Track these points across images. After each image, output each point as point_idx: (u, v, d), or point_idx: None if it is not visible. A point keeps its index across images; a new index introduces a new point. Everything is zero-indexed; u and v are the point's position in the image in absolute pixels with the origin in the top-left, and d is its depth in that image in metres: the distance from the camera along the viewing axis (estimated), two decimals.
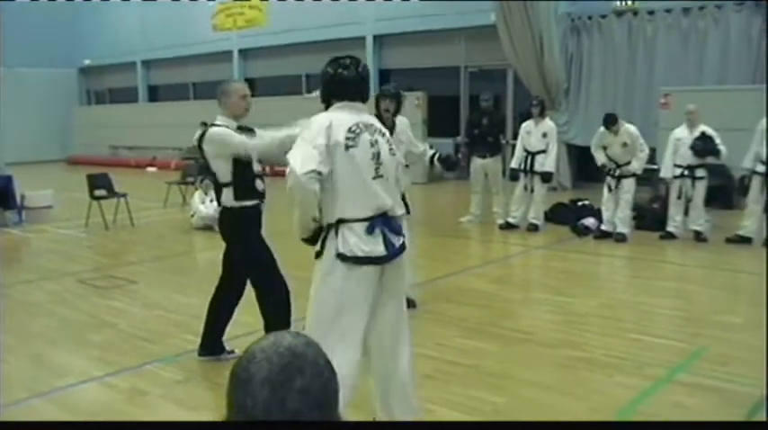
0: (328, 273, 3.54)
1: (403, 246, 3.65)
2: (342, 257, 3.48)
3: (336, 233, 3.50)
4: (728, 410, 4.32)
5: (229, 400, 1.28)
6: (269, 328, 4.82)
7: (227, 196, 4.90)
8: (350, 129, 3.51)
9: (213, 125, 4.95)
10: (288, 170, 3.38)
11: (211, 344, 5.26)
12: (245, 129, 4.99)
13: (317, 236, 3.61)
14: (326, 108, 3.69)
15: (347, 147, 3.47)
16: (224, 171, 4.88)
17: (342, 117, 3.56)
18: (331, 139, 3.44)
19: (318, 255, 3.60)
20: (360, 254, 3.48)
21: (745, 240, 9.16)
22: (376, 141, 3.60)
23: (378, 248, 3.53)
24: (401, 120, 6.47)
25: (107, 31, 26.07)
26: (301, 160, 3.37)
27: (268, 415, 1.22)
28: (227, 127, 4.92)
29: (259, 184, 5.01)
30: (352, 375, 3.50)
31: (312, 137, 3.43)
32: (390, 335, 3.70)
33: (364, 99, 3.76)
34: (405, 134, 6.48)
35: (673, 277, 8.05)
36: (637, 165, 9.51)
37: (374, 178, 3.55)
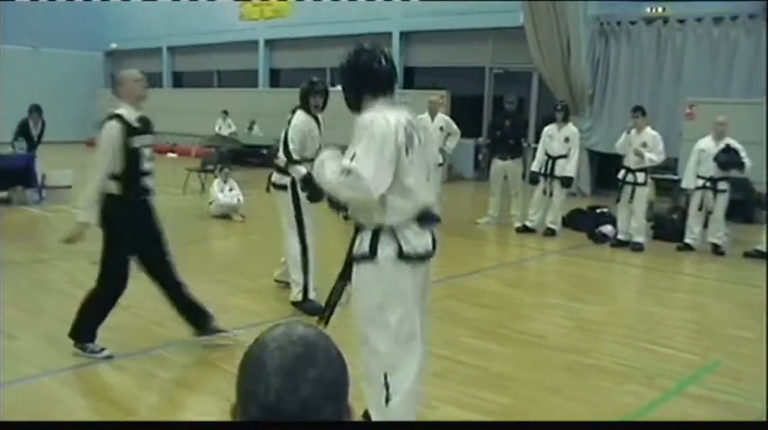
0: (393, 277, 3.40)
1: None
2: (407, 258, 3.41)
3: (395, 234, 3.40)
4: (733, 421, 4.29)
5: (240, 389, 1.27)
6: (81, 314, 4.96)
7: (111, 185, 4.83)
8: (405, 130, 3.33)
9: (116, 116, 4.85)
10: (348, 177, 3.22)
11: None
12: (144, 122, 4.98)
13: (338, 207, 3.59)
14: (359, 105, 3.47)
15: (407, 152, 3.32)
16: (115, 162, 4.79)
17: (393, 117, 3.34)
18: (396, 145, 3.28)
19: (368, 258, 3.42)
20: (421, 252, 3.45)
21: (764, 255, 9.07)
22: (420, 139, 3.45)
23: (429, 244, 3.52)
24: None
25: (134, 15, 26.19)
26: (374, 174, 3.20)
27: (280, 403, 1.22)
28: (127, 118, 4.84)
29: (146, 181, 5.00)
30: (418, 381, 3.51)
31: (379, 146, 3.23)
32: (424, 326, 3.66)
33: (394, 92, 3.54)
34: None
35: (688, 289, 8.00)
36: (654, 157, 9.37)
37: (426, 177, 3.53)
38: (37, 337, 5.48)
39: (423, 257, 3.49)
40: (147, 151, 4.92)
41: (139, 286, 7.00)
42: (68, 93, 25.99)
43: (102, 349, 5.01)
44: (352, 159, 3.22)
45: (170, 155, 21.94)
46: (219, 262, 8.84)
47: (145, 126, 4.95)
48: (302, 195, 5.99)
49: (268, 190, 6.36)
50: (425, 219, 3.49)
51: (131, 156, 4.78)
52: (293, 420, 1.22)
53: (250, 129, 19.84)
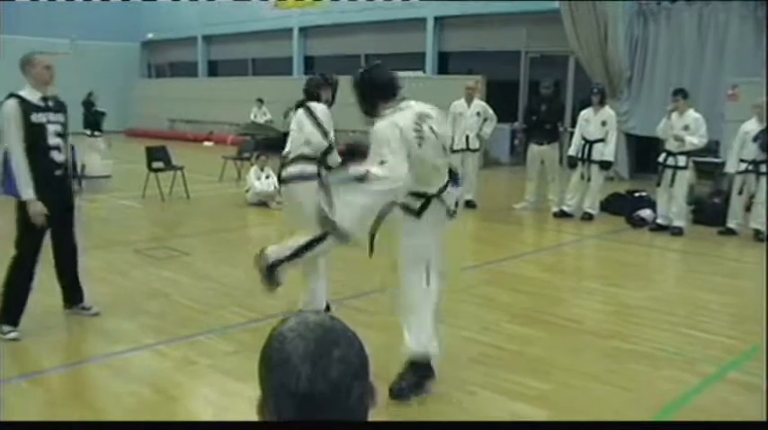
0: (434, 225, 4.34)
1: None
2: (451, 214, 4.37)
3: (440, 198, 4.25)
4: None
5: (268, 385, 1.29)
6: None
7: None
8: (414, 128, 4.02)
9: (13, 95, 5.14)
10: (379, 179, 3.85)
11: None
12: (54, 100, 5.31)
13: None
14: (374, 111, 4.20)
15: (420, 145, 4.02)
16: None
17: (401, 120, 4.02)
18: (407, 144, 3.95)
19: (417, 214, 4.24)
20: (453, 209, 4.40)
21: None
22: (431, 127, 4.13)
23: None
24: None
25: (169, 5, 26.37)
26: (397, 169, 3.88)
27: (312, 389, 1.23)
28: (26, 97, 5.14)
29: (54, 155, 5.25)
30: None
31: (395, 147, 3.90)
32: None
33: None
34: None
35: (728, 274, 7.87)
36: (696, 140, 9.21)
37: (441, 159, 4.25)
38: (80, 326, 5.57)
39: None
40: (52, 127, 5.23)
41: (182, 274, 7.13)
42: (106, 84, 26.12)
43: (10, 331, 5.16)
44: (381, 163, 3.88)
45: (206, 143, 22.13)
46: (256, 248, 8.90)
47: (56, 106, 5.32)
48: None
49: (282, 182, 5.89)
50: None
51: (33, 131, 5.10)
52: (327, 404, 1.23)
53: (285, 116, 19.81)
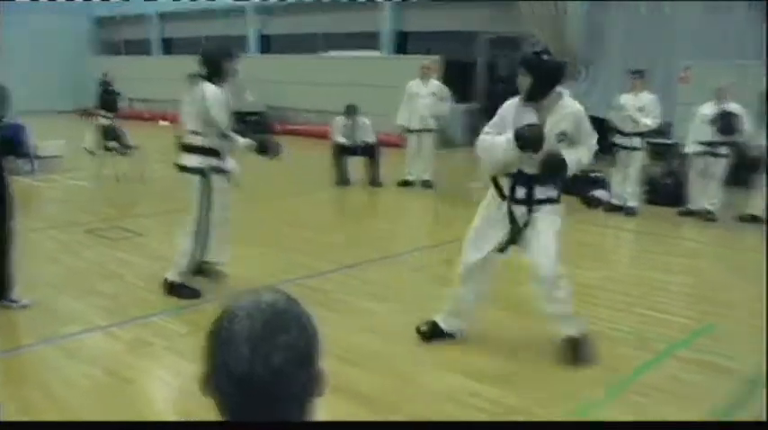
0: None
1: None
2: None
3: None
4: (721, 384, 4.34)
5: (210, 361, 1.26)
6: None
7: None
8: None
9: None
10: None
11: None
12: None
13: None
14: (539, 99, 4.46)
15: None
16: None
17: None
18: None
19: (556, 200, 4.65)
20: None
21: (756, 219, 9.12)
22: None
23: None
24: None
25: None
26: None
27: (251, 372, 1.20)
28: None
29: None
30: None
31: None
32: None
33: None
34: None
35: (682, 253, 8.01)
36: (650, 122, 9.34)
37: None
38: (32, 306, 5.46)
39: None
40: None
41: (135, 255, 7.03)
42: (58, 61, 25.59)
43: None
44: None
45: (162, 122, 21.79)
46: None
47: None
48: (218, 177, 5.67)
49: (182, 169, 5.74)
50: None
51: None
52: (266, 389, 1.21)
53: (241, 96, 19.69)
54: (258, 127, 17.57)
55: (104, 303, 5.55)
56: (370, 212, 10.35)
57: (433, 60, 13.22)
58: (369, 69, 17.54)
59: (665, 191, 10.21)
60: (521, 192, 4.55)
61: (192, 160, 5.58)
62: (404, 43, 19.39)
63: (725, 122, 9.04)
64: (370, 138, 11.38)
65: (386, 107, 12.47)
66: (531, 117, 4.44)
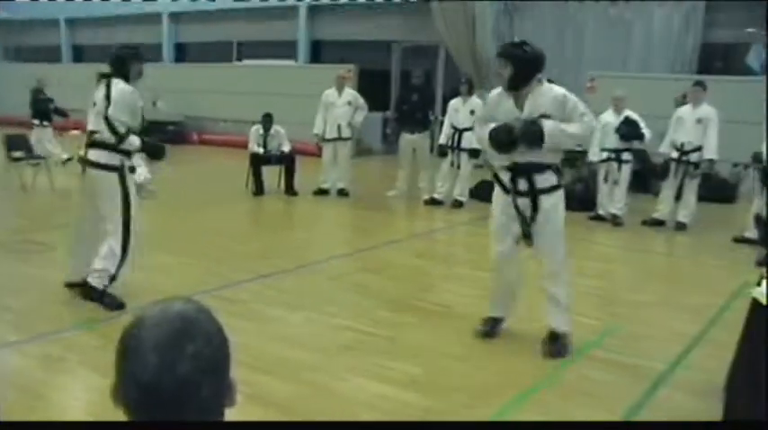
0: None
1: None
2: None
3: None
4: (632, 382, 4.55)
5: (119, 369, 1.25)
6: None
7: None
8: None
9: None
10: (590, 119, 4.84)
11: None
12: None
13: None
14: (522, 87, 4.69)
15: None
16: None
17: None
18: None
19: (557, 187, 4.84)
20: None
21: (659, 223, 9.55)
22: None
23: None
24: None
25: None
26: None
27: (158, 381, 1.20)
28: None
29: None
30: None
31: None
32: None
33: None
34: None
35: (593, 257, 8.29)
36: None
37: None
38: None
39: None
40: None
41: (46, 268, 6.88)
42: None
43: None
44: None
45: (73, 132, 21.22)
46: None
47: None
48: (132, 176, 5.67)
49: (84, 170, 5.71)
50: None
51: None
52: (172, 398, 1.21)
53: (154, 104, 19.41)
54: (176, 137, 17.39)
55: (13, 319, 5.44)
56: (286, 221, 10.37)
57: (347, 69, 13.36)
58: (284, 78, 17.55)
59: (576, 197, 10.53)
60: (522, 184, 4.79)
61: (107, 157, 5.52)
62: (318, 52, 19.48)
63: (626, 129, 9.44)
64: (286, 147, 11.42)
65: (302, 116, 12.55)
66: (509, 105, 4.76)
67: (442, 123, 11.40)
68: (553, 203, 4.82)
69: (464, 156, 10.49)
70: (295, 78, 17.29)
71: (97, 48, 24.67)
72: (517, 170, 4.79)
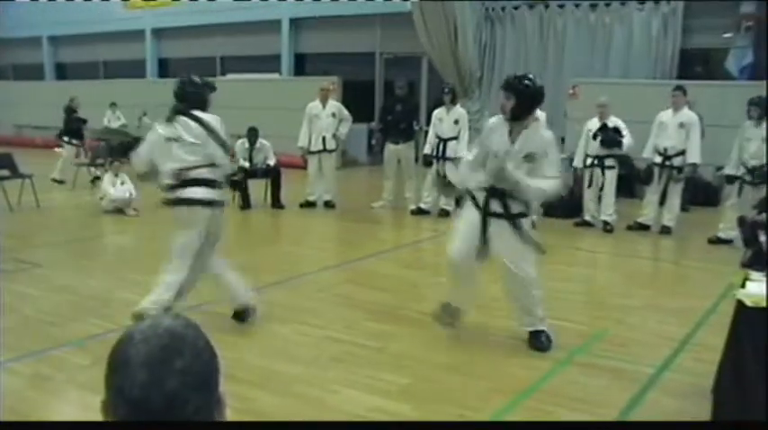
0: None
1: None
2: None
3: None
4: (620, 386, 4.58)
5: (108, 385, 1.26)
6: None
7: None
8: None
9: None
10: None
11: None
12: None
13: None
14: (522, 119, 5.02)
15: None
16: None
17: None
18: None
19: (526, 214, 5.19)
20: None
21: (644, 227, 9.61)
22: None
23: None
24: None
25: (9, 3, 24.86)
26: None
27: (146, 397, 1.21)
28: None
29: None
30: None
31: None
32: None
33: None
34: None
35: (579, 263, 8.36)
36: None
37: None
38: None
39: None
40: None
41: (33, 287, 6.86)
42: None
43: None
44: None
45: (57, 149, 21.14)
46: (112, 257, 8.71)
47: None
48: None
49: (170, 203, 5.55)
50: None
51: None
52: (161, 414, 1.21)
53: (140, 120, 19.39)
54: None
55: (1, 338, 5.41)
56: (273, 235, 10.37)
57: (331, 81, 13.40)
58: (268, 92, 17.55)
59: (561, 203, 10.57)
60: (495, 205, 5.09)
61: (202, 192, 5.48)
62: (302, 65, 19.52)
63: (606, 136, 9.51)
64: (272, 161, 11.43)
65: (287, 129, 12.56)
66: (504, 136, 5.07)
67: (426, 133, 11.45)
68: (522, 223, 5.16)
69: (449, 165, 10.51)
70: (279, 92, 17.30)
71: (80, 65, 24.66)
72: (493, 193, 5.07)
